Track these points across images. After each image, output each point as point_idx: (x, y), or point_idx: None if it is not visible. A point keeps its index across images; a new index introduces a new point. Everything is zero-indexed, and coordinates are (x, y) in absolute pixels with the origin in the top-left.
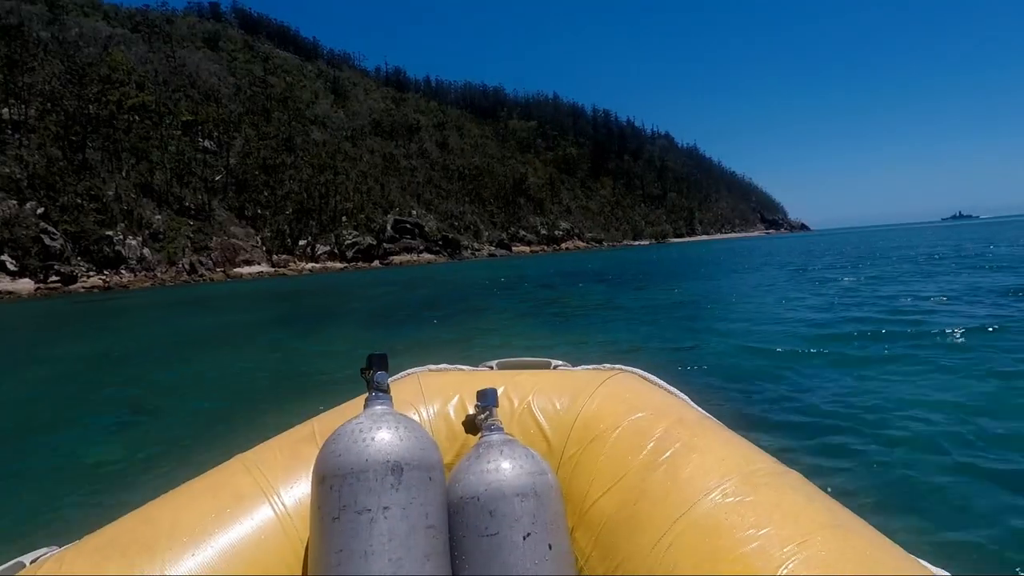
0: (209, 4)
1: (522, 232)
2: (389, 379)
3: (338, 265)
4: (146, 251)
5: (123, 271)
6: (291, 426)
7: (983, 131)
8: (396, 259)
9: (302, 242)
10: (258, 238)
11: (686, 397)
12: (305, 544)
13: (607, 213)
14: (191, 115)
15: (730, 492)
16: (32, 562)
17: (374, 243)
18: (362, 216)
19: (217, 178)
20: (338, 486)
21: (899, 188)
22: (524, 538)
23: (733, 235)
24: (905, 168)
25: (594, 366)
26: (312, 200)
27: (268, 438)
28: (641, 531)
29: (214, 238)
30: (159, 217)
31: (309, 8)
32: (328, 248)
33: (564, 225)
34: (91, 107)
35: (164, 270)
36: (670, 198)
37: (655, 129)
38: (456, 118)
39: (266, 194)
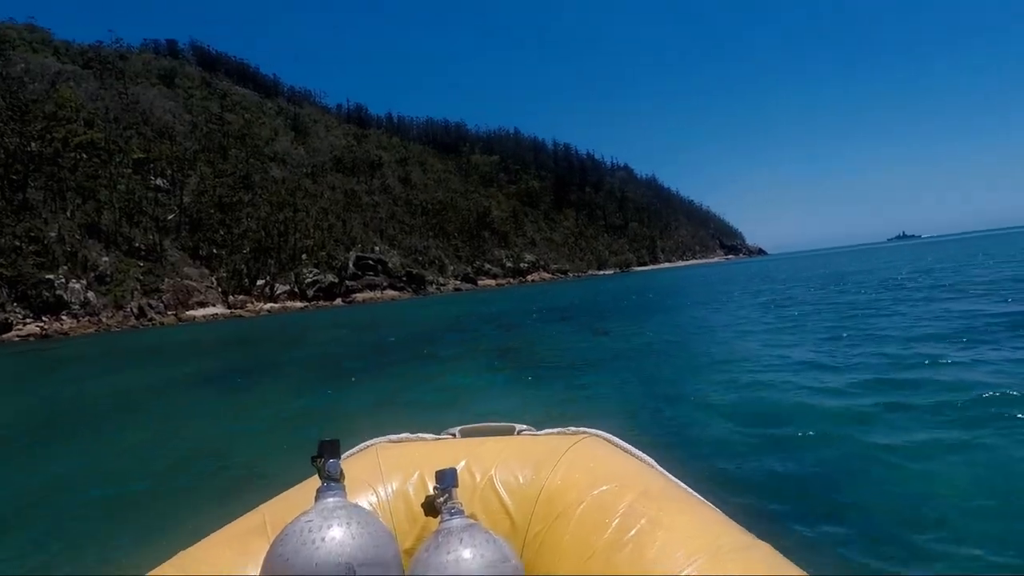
0: (166, 41)
1: (487, 265)
2: (346, 453)
3: (298, 304)
4: (91, 295)
5: (64, 317)
6: (234, 517)
7: (922, 156)
8: (359, 296)
9: (260, 281)
10: (213, 278)
11: (653, 461)
12: None
13: (571, 244)
14: (143, 153)
15: (697, 571)
16: None
17: (336, 281)
18: (323, 253)
19: (170, 217)
20: None
21: (847, 211)
22: None
23: (695, 261)
24: (852, 192)
25: (559, 429)
26: (271, 238)
27: (211, 531)
28: None
29: (166, 279)
30: (106, 259)
31: (269, 45)
32: (288, 287)
33: (529, 257)
34: (34, 144)
35: (110, 315)
36: (632, 227)
37: (614, 161)
38: (418, 153)
39: (222, 233)
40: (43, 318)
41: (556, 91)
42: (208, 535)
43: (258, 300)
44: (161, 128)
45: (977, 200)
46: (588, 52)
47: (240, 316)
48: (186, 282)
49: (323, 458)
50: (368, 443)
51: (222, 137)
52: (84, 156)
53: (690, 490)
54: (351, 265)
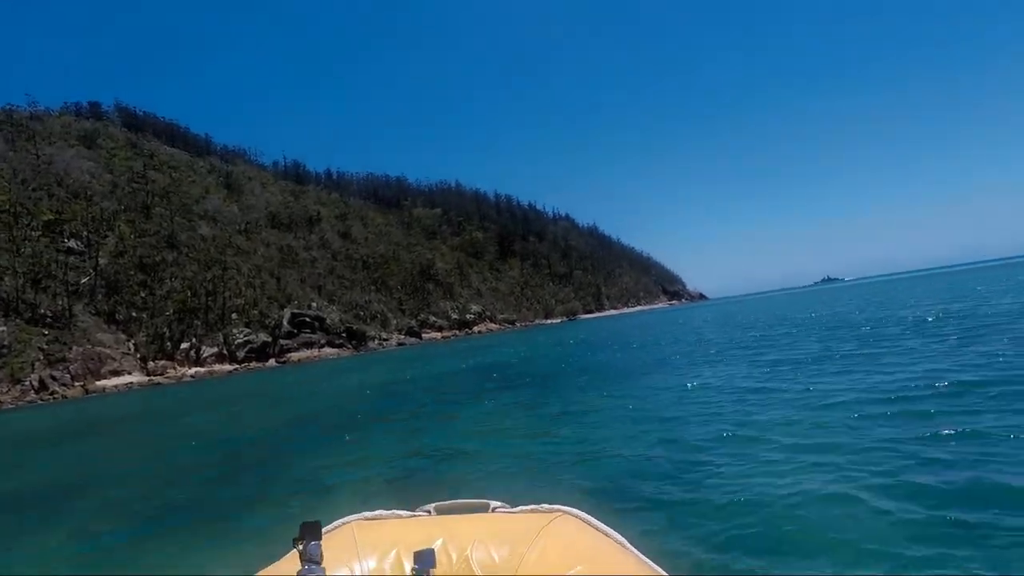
0: (88, 103)
1: (432, 318)
2: (323, 530)
3: (227, 367)
4: None
5: None
6: None
7: (843, 204)
8: (295, 356)
9: (184, 344)
10: (131, 344)
11: (624, 540)
12: None
13: (517, 293)
14: (54, 214)
15: None
16: None
17: (269, 340)
18: (255, 312)
19: (83, 280)
20: None
21: (777, 257)
22: None
23: (639, 308)
24: (778, 237)
25: (532, 506)
26: (197, 298)
27: None
28: None
29: (74, 348)
30: (4, 328)
31: (200, 105)
32: (216, 349)
33: (475, 308)
34: None
35: (5, 389)
36: (576, 276)
37: (556, 211)
38: (359, 208)
39: (143, 295)
40: None
41: (496, 143)
42: None
43: (182, 364)
44: (77, 189)
45: (894, 246)
46: (527, 105)
47: (158, 384)
48: (98, 349)
49: (305, 540)
50: (344, 520)
51: (145, 196)
52: None
53: (661, 571)
54: (285, 323)
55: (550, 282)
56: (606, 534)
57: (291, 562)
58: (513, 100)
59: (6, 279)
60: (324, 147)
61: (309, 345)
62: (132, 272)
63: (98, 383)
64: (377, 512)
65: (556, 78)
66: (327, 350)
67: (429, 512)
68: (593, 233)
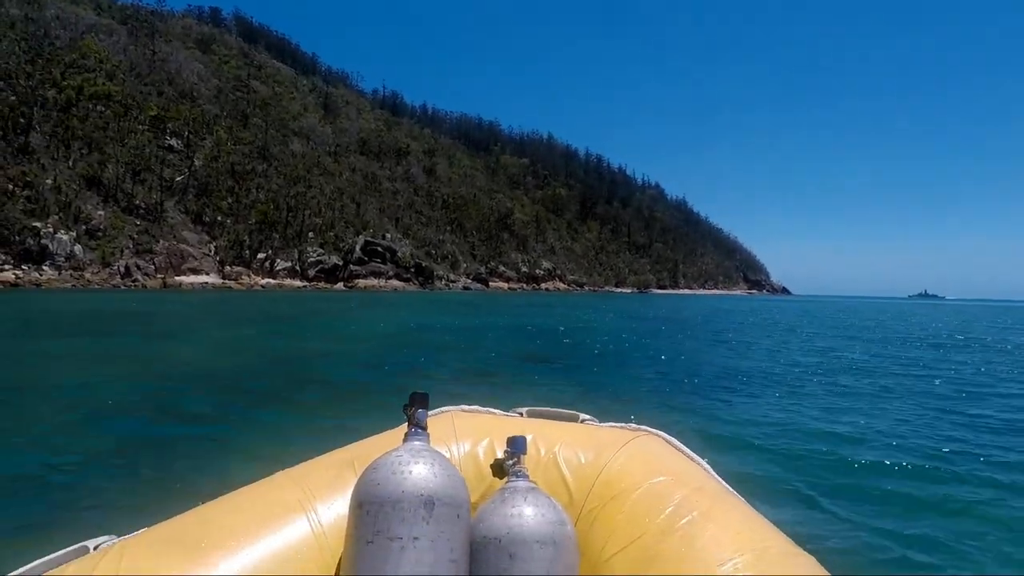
0: (209, 8)
1: (502, 267)
2: (427, 416)
3: (297, 283)
4: (78, 248)
5: (46, 267)
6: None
7: (951, 219)
8: (362, 283)
9: (261, 255)
10: (212, 246)
11: (709, 467)
12: (337, 561)
13: (591, 257)
14: (160, 111)
15: (742, 567)
16: (95, 548)
17: (340, 263)
18: (331, 234)
19: (178, 178)
20: (374, 512)
21: (869, 260)
22: None
23: (716, 291)
24: (875, 241)
25: (621, 424)
26: (279, 212)
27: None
28: None
29: (161, 241)
30: (101, 213)
31: (313, 24)
32: (289, 264)
33: (546, 265)
34: (47, 89)
35: (95, 271)
36: (656, 248)
37: (646, 179)
38: (448, 147)
39: (230, 201)
40: (23, 267)
41: (595, 101)
42: (301, 462)
43: (256, 274)
44: (185, 89)
45: (1002, 271)
46: (636, 65)
47: (230, 288)
48: (182, 246)
49: (413, 407)
50: (444, 408)
51: (246, 105)
52: (97, 107)
53: (742, 499)
54: (358, 249)
55: (627, 251)
56: (691, 457)
57: (396, 433)
58: (621, 59)
59: (109, 167)
60: (424, 81)
61: (377, 275)
62: (223, 177)
63: (176, 278)
64: (474, 407)
65: (671, 42)
66: (394, 282)
67: (521, 414)
68: (681, 207)
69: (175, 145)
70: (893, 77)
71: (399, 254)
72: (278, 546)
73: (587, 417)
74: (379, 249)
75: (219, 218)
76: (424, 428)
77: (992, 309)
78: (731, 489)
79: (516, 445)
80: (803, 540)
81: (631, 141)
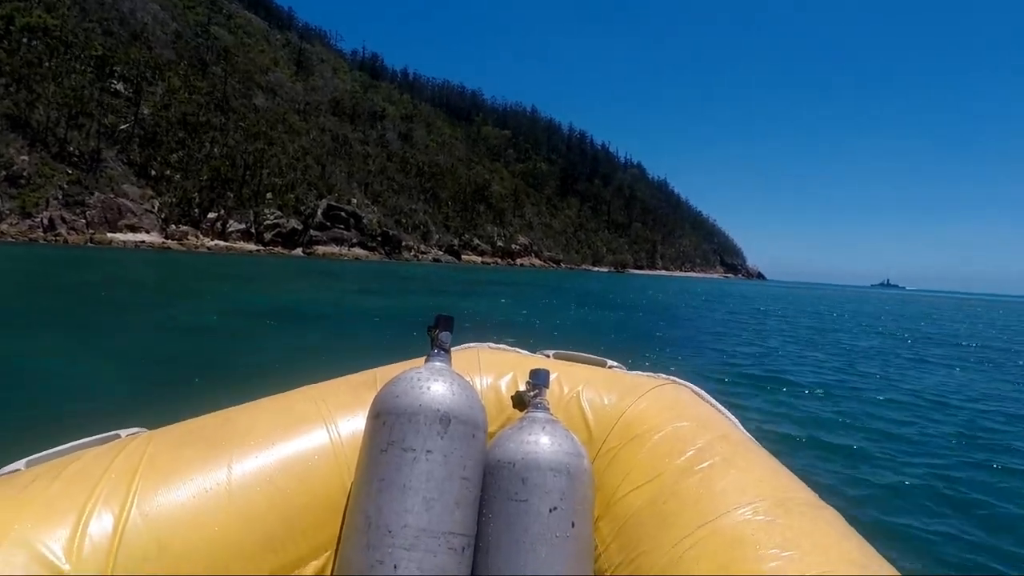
0: None
1: (476, 240)
2: (451, 349)
3: (250, 247)
4: None
5: None
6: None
7: (911, 210)
8: (322, 249)
9: (212, 215)
10: (155, 202)
11: (735, 418)
12: (351, 471)
13: (569, 234)
14: (105, 51)
15: (762, 511)
16: (125, 436)
17: (299, 227)
18: (291, 196)
19: (122, 127)
20: (390, 423)
21: (838, 249)
22: (550, 511)
23: (693, 274)
24: (844, 231)
25: (648, 373)
26: (235, 169)
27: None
28: (665, 530)
29: (96, 194)
30: (26, 158)
31: None
32: (243, 226)
33: (523, 240)
34: None
35: (13, 222)
36: (635, 228)
37: (628, 158)
38: (427, 114)
39: (180, 154)
40: None
41: (580, 75)
42: (327, 380)
43: (205, 234)
44: (137, 31)
45: (960, 263)
46: (624, 40)
47: (170, 248)
48: (120, 200)
49: (438, 329)
50: (471, 345)
51: (206, 52)
52: (31, 41)
53: (767, 451)
54: (320, 214)
55: (606, 229)
56: (717, 408)
57: (419, 361)
58: (609, 36)
59: (39, 108)
60: (406, 45)
61: (339, 242)
62: (174, 128)
63: (109, 235)
64: (501, 345)
65: (659, 21)
66: (357, 250)
67: (548, 356)
68: (662, 188)
69: (121, 90)
70: (873, 70)
71: (365, 221)
72: (294, 452)
73: (615, 364)
74: (343, 214)
75: (167, 172)
76: (447, 350)
77: (952, 300)
78: (756, 441)
79: (539, 378)
80: (827, 496)
81: (615, 119)
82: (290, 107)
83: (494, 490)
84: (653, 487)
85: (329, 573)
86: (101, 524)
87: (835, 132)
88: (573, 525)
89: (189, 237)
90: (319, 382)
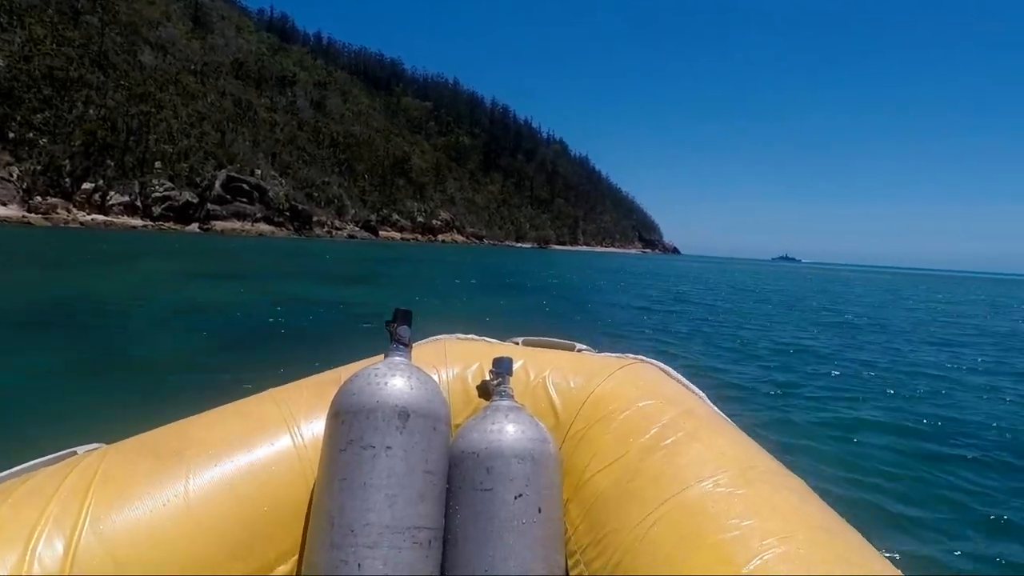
0: None
1: (395, 216)
2: (417, 343)
3: (136, 222)
4: None
5: None
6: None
7: (803, 185)
8: (221, 225)
9: (88, 185)
10: (14, 169)
11: (702, 394)
12: (316, 471)
13: (492, 210)
14: None
15: (723, 483)
16: (83, 452)
17: (195, 200)
18: (184, 165)
19: None
20: (348, 422)
21: (738, 223)
22: (515, 498)
23: (612, 249)
24: (743, 207)
25: (616, 354)
26: (116, 134)
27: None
28: (630, 507)
29: None
30: None
31: None
32: (127, 199)
33: (444, 215)
34: None
35: None
36: (557, 204)
37: (551, 134)
38: (343, 82)
39: (46, 114)
40: None
41: (503, 48)
42: (293, 380)
43: (80, 208)
44: None
45: (848, 237)
46: (547, 15)
47: (29, 224)
48: None
49: (396, 323)
50: (438, 337)
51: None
52: None
53: (734, 424)
54: (218, 185)
55: (529, 205)
56: (685, 384)
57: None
58: (531, 7)
59: None
60: (321, 7)
61: (241, 216)
62: (38, 85)
63: None
64: (469, 335)
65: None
66: (262, 226)
67: (517, 343)
68: (583, 164)
69: None
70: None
71: (271, 194)
72: (255, 457)
73: (583, 347)
74: (245, 187)
75: (29, 135)
76: (406, 344)
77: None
78: (723, 415)
79: (501, 366)
80: (792, 465)
81: (537, 94)
82: (184, 67)
83: (459, 481)
84: (619, 466)
85: None
86: (51, 546)
87: (745, 117)
88: (540, 511)
89: (58, 211)
90: (282, 384)
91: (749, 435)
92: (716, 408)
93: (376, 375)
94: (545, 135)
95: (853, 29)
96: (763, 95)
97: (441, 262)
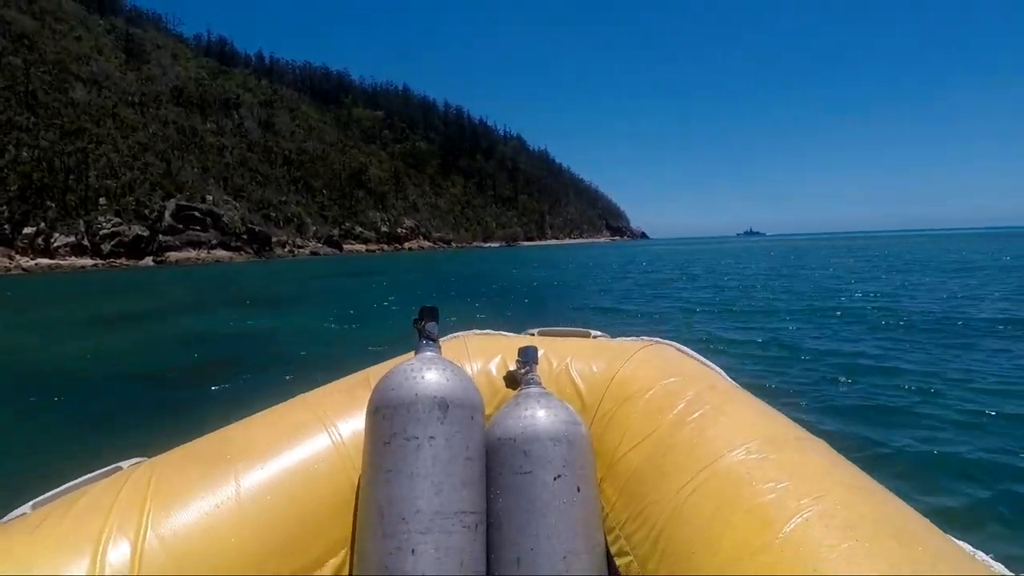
0: None
1: (359, 228)
2: (437, 328)
3: (85, 261)
4: None
5: None
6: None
7: (765, 159)
8: (175, 255)
9: (29, 229)
10: None
11: (720, 370)
12: (356, 466)
13: (457, 212)
14: None
15: (754, 450)
16: (128, 467)
17: (145, 234)
18: (130, 199)
19: None
20: (390, 415)
21: (706, 203)
22: (555, 479)
23: (582, 240)
24: (709, 185)
25: (633, 338)
26: (53, 175)
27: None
28: (666, 480)
29: None
30: None
31: None
32: (73, 239)
33: (408, 223)
34: None
35: None
36: (521, 200)
37: (507, 130)
38: (290, 99)
39: None
40: None
41: (452, 51)
42: (322, 385)
43: (22, 253)
44: None
45: (811, 206)
46: (489, 16)
47: None
48: None
49: (423, 320)
50: (458, 333)
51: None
52: None
53: (760, 400)
54: (168, 216)
55: (493, 204)
56: (703, 362)
57: (409, 357)
58: (468, 5)
59: None
60: (259, 28)
61: (196, 245)
62: None
63: None
64: (486, 331)
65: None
66: (219, 252)
67: (533, 334)
68: (543, 158)
69: None
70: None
71: (225, 219)
72: (298, 458)
73: (599, 333)
74: (197, 214)
75: None
76: (435, 339)
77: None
78: (744, 389)
79: (527, 355)
80: (817, 432)
81: (489, 92)
82: (121, 99)
83: (499, 466)
84: (650, 443)
85: (348, 569)
86: (119, 551)
87: (703, 97)
88: (579, 490)
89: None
90: (311, 390)
91: (771, 406)
92: (735, 383)
93: (412, 370)
94: (502, 132)
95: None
96: (722, 78)
97: (391, 272)
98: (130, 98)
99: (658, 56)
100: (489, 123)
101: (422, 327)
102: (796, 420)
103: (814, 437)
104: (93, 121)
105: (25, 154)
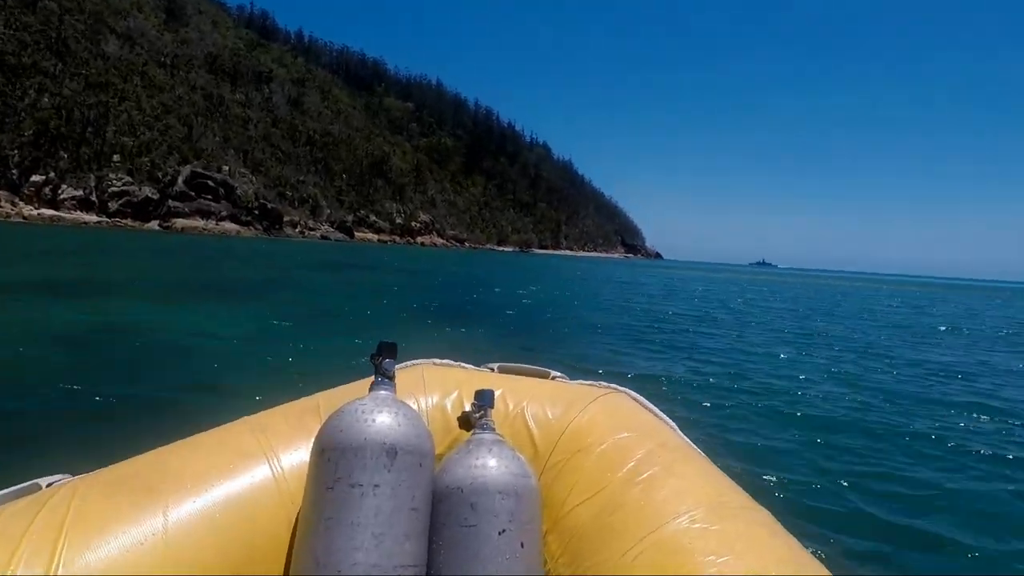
0: None
1: (373, 217)
2: (394, 366)
3: (90, 217)
4: None
5: None
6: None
7: (783, 193)
8: (182, 223)
9: (37, 177)
10: None
11: (674, 424)
12: (297, 506)
13: (474, 212)
14: None
15: (698, 519)
16: (48, 485)
17: (155, 196)
18: (146, 160)
19: None
20: (336, 459)
21: (714, 228)
22: (499, 534)
23: (595, 254)
24: (723, 209)
25: (591, 382)
26: (70, 125)
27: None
28: (611, 541)
29: None
30: None
31: None
32: (81, 193)
33: (424, 217)
34: None
35: None
36: (540, 208)
37: (534, 137)
38: (323, 80)
39: None
40: None
41: (486, 50)
42: (266, 409)
43: (27, 201)
44: None
45: (823, 242)
46: (531, 21)
47: None
48: None
49: (381, 356)
50: (415, 362)
51: None
52: None
53: (705, 456)
54: (181, 181)
55: (511, 208)
56: (657, 415)
57: (364, 383)
58: (516, 10)
59: None
60: (302, 5)
61: (205, 214)
62: None
63: None
64: (445, 360)
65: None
66: (227, 224)
67: (492, 369)
68: (567, 168)
69: None
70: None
71: (238, 191)
72: (235, 491)
73: (558, 374)
74: (211, 183)
75: None
76: (391, 378)
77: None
78: (694, 446)
79: (483, 398)
80: (761, 497)
81: (520, 98)
82: (152, 59)
83: (444, 517)
84: (599, 500)
85: None
86: None
87: (724, 125)
88: (522, 545)
89: (2, 204)
90: (258, 411)
91: (718, 465)
92: (687, 438)
93: (363, 411)
94: (529, 139)
95: (839, 33)
96: (746, 103)
97: (390, 272)
98: (162, 59)
99: (691, 82)
100: (517, 128)
101: (379, 363)
102: None
103: (757, 506)
104: (120, 76)
105: (46, 100)
